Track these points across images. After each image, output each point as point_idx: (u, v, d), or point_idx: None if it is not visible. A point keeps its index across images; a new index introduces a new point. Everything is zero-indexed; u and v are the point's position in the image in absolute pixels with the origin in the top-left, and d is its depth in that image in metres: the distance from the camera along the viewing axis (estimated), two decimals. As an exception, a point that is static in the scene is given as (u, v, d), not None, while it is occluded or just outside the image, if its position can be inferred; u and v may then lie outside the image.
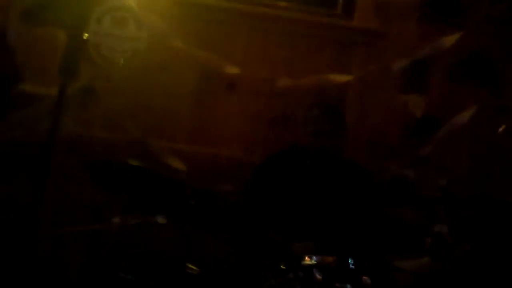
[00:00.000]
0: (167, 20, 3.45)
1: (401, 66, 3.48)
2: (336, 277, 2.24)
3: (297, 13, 3.63)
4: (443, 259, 2.42)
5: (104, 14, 3.32)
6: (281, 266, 2.28)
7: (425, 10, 3.57)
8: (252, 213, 2.57)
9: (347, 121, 2.88)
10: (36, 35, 2.92)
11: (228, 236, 2.33)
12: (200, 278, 2.29)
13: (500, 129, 3.30)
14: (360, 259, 2.30)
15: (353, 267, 2.28)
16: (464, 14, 3.53)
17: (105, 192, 2.30)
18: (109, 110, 3.39)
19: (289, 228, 2.62)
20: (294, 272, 2.25)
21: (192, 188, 2.23)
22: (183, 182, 2.34)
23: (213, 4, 3.57)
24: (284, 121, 3.56)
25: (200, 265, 2.30)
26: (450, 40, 3.43)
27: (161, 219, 2.19)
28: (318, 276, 2.24)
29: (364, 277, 2.26)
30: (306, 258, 2.27)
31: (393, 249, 2.75)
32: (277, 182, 2.80)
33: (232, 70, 3.45)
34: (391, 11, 3.56)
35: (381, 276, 2.38)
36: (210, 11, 3.56)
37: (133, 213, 2.24)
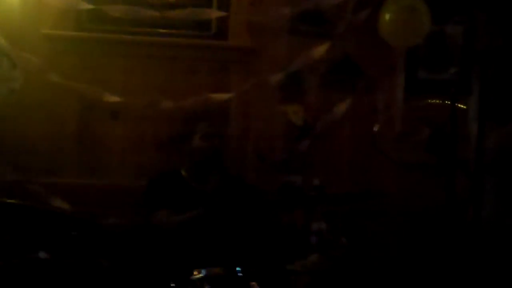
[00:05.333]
0: (40, 56, 3.42)
1: (277, 79, 3.62)
2: (226, 287, 2.32)
3: (174, 37, 3.71)
4: (328, 255, 2.56)
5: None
6: (171, 285, 2.32)
7: (294, 25, 3.74)
8: (140, 236, 2.60)
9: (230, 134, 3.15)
10: None
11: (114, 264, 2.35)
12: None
13: (375, 128, 3.50)
14: (248, 267, 2.39)
15: (241, 275, 2.36)
16: (330, 25, 3.73)
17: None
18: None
19: (180, 247, 2.68)
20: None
21: (73, 219, 2.23)
22: (64, 214, 2.33)
23: (87, 37, 3.58)
24: (171, 143, 3.60)
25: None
26: (319, 50, 3.61)
27: (43, 255, 2.17)
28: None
29: (252, 283, 2.35)
30: (195, 272, 2.33)
31: (287, 253, 2.86)
32: (163, 203, 2.87)
33: (113, 98, 3.46)
34: (263, 28, 3.71)
35: (273, 280, 2.48)
36: (84, 44, 3.57)
37: (13, 252, 2.20)
